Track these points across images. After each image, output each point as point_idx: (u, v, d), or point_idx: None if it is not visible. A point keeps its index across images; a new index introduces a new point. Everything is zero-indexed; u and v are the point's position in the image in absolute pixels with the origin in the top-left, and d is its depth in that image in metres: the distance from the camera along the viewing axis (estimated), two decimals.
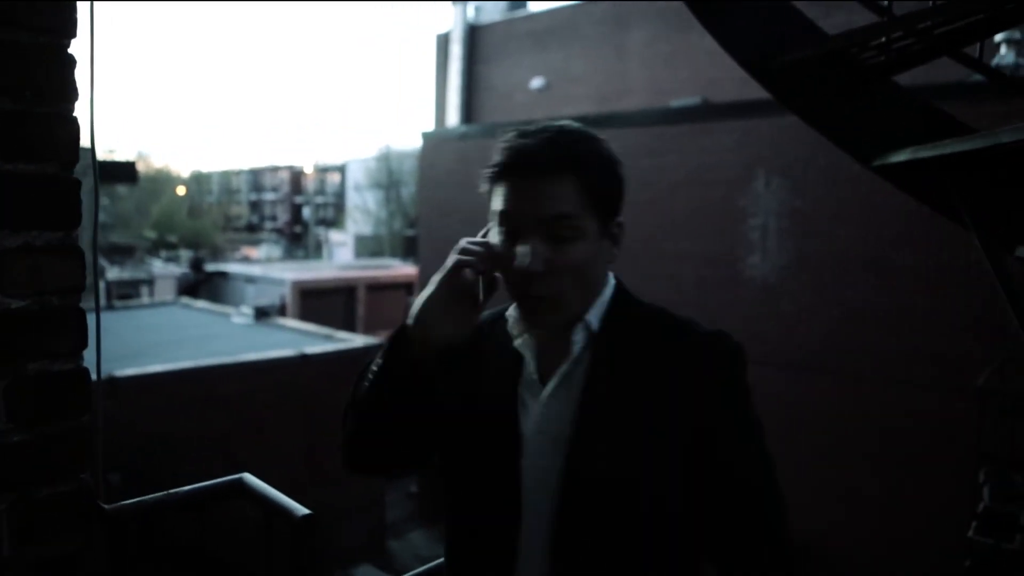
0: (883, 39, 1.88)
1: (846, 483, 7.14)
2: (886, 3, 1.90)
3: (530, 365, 1.14)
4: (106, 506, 1.21)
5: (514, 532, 1.07)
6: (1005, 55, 7.24)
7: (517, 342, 1.14)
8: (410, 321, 1.07)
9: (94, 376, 1.18)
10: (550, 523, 1.06)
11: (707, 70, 10.72)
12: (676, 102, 10.52)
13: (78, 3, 1.13)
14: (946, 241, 6.20)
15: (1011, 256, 1.92)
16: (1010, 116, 1.99)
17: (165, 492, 1.25)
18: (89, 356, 1.16)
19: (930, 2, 1.66)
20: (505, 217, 1.08)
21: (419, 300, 1.07)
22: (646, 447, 1.05)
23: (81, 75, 1.13)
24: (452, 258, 1.08)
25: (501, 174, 1.09)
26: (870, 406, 7.04)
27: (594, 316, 1.13)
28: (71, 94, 1.12)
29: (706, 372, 1.07)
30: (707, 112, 8.98)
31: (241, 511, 1.36)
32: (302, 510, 1.17)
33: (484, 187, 1.12)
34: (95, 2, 1.22)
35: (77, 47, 1.13)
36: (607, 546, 1.04)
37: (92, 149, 1.26)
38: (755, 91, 2.40)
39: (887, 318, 6.97)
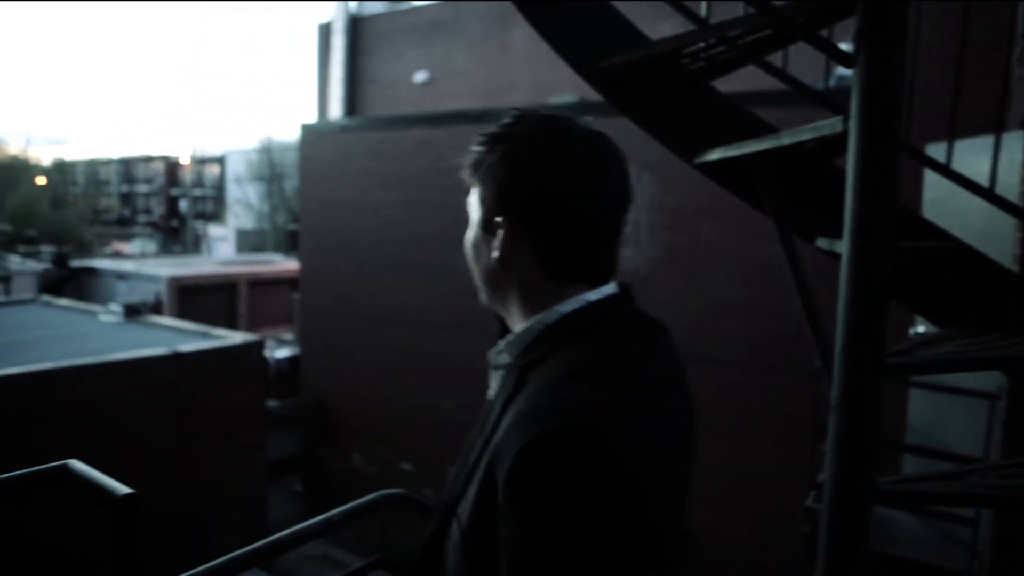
0: (701, 44, 2.05)
1: (708, 461, 7.58)
2: (705, 15, 2.09)
3: (492, 389, 1.00)
4: None
5: None
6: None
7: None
8: None
9: None
10: None
11: None
12: (555, 99, 10.79)
13: None
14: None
15: (814, 245, 2.15)
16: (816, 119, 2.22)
17: None
18: None
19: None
20: None
21: None
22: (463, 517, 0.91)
23: None
24: None
25: None
26: (732, 388, 7.51)
27: (515, 342, 0.98)
28: None
29: (501, 463, 0.82)
30: (583, 110, 9.26)
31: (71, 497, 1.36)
32: (124, 489, 1.19)
33: None
34: None
35: None
36: None
37: None
38: None
39: (746, 306, 7.45)
